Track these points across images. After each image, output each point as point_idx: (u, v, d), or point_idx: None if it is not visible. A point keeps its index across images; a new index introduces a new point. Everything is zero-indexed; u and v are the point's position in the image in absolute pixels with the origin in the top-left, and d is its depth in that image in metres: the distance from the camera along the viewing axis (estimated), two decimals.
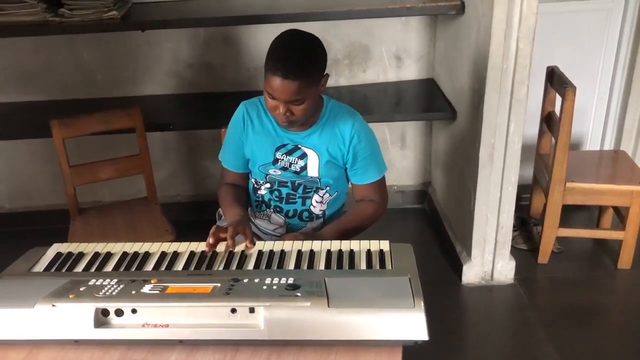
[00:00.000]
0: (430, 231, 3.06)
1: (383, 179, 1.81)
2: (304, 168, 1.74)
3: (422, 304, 1.14)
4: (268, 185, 1.80)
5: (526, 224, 2.95)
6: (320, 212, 1.83)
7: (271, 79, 1.53)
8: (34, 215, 3.15)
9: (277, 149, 1.74)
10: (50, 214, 3.05)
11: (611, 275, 2.68)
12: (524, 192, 2.92)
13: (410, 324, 1.13)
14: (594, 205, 2.91)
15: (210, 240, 1.46)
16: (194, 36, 2.86)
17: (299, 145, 1.73)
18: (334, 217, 1.85)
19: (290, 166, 1.75)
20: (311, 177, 1.76)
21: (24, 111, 2.86)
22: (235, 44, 2.88)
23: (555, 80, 2.64)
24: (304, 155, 1.73)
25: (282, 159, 1.75)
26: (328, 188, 1.79)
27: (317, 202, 1.81)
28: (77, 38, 2.82)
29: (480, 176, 2.39)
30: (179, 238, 2.20)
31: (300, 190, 1.79)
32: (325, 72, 1.62)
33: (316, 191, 1.79)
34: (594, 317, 2.44)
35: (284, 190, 1.79)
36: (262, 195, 1.83)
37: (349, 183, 1.85)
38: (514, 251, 2.66)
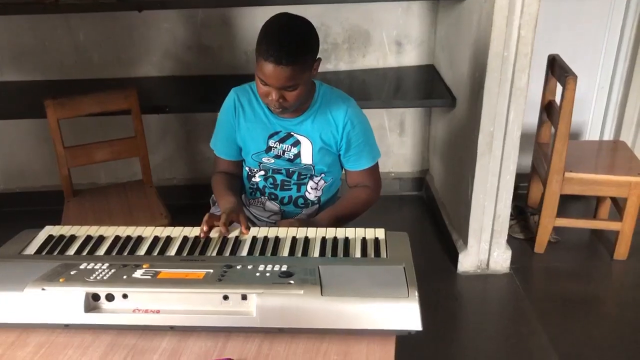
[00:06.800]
0: (427, 219, 3.05)
1: (377, 165, 1.80)
2: (298, 155, 1.72)
3: (416, 294, 1.13)
4: (262, 172, 1.78)
5: (523, 213, 2.94)
6: (316, 199, 1.81)
7: (263, 64, 1.48)
8: (28, 196, 3.13)
9: (270, 137, 1.71)
10: (44, 195, 3.04)
11: (607, 266, 2.68)
12: (522, 181, 2.91)
13: (404, 314, 1.12)
14: (592, 196, 2.90)
15: (204, 227, 1.44)
16: (192, 17, 2.82)
17: (292, 133, 1.70)
18: (330, 203, 1.84)
19: (283, 154, 1.72)
20: (305, 165, 1.73)
21: (19, 90, 2.83)
22: (233, 26, 2.84)
23: (556, 69, 2.61)
24: (297, 143, 1.71)
25: (275, 147, 1.72)
26: (323, 175, 1.77)
27: (312, 188, 1.79)
28: (73, 17, 2.78)
29: (479, 164, 2.37)
30: (174, 221, 2.19)
31: (294, 177, 1.76)
32: (318, 57, 1.59)
33: (311, 178, 1.77)
34: (588, 308, 2.44)
35: (279, 177, 1.77)
36: (257, 183, 1.80)
37: (343, 169, 1.83)
38: (511, 240, 2.65)
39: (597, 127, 3.19)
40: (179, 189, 3.15)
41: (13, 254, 1.37)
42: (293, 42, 1.49)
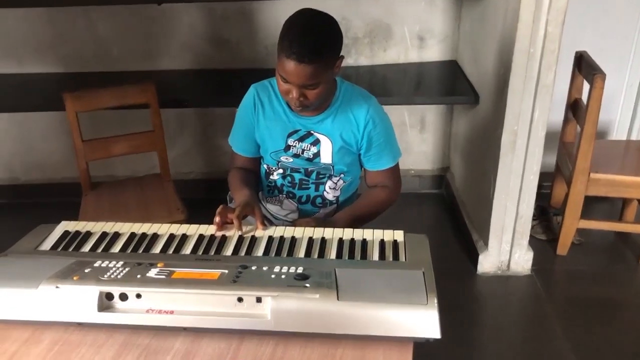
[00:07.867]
0: (446, 218, 3.00)
1: (397, 165, 1.76)
2: (317, 155, 1.69)
3: (436, 301, 1.10)
4: (280, 170, 1.75)
5: (546, 214, 2.88)
6: (334, 198, 1.78)
7: (285, 62, 1.45)
8: (48, 188, 3.16)
9: (289, 135, 1.68)
10: (64, 186, 3.06)
11: (632, 270, 2.61)
12: (545, 181, 2.83)
13: (423, 321, 1.08)
14: (618, 197, 2.82)
15: (217, 219, 1.42)
16: (211, 10, 2.80)
17: (312, 131, 1.67)
18: (348, 203, 1.81)
19: (302, 153, 1.69)
20: (324, 164, 1.70)
21: (38, 83, 2.84)
22: (253, 19, 2.81)
23: (584, 66, 2.54)
24: (316, 142, 1.68)
25: (294, 146, 1.69)
26: (342, 175, 1.74)
27: (330, 188, 1.76)
28: (92, 9, 2.78)
29: (501, 164, 2.32)
30: (191, 215, 2.18)
31: (313, 176, 1.74)
32: (341, 54, 1.55)
33: (330, 177, 1.74)
34: (612, 313, 2.38)
35: (297, 176, 1.74)
36: (275, 181, 1.78)
37: (362, 168, 1.79)
38: (532, 241, 2.59)
39: (625, 127, 3.11)
40: (197, 183, 3.15)
41: (29, 249, 1.36)
42: (316, 40, 1.45)
